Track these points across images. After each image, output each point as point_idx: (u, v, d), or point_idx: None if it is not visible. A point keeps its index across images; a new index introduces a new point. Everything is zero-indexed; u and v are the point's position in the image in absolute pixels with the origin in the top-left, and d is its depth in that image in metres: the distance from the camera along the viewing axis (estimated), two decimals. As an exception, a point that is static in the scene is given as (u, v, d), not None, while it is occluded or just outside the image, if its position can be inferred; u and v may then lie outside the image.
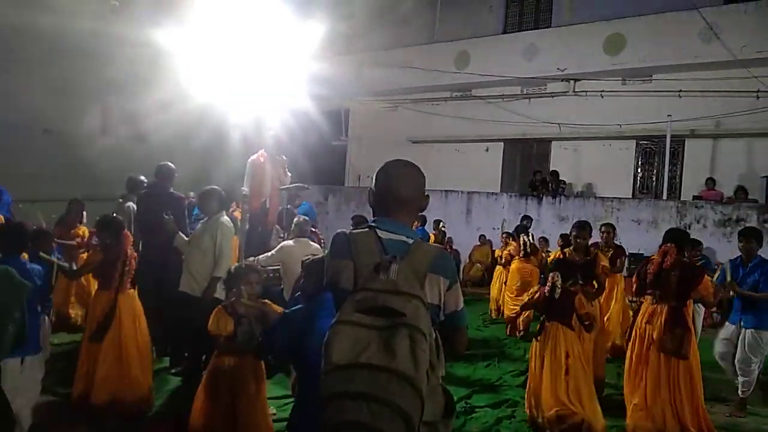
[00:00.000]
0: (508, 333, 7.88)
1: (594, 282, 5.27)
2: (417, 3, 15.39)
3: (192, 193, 7.85)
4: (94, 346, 4.30)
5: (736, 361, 5.14)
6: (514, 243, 8.83)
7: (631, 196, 12.74)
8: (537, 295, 4.70)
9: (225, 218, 5.31)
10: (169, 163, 5.99)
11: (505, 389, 5.47)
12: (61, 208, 7.49)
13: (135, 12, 13.88)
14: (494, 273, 9.49)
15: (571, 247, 5.44)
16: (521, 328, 7.63)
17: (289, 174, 7.57)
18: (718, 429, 4.48)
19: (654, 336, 4.37)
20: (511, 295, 8.17)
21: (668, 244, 4.52)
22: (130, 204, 6.52)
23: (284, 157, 7.43)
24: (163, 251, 5.57)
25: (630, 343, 4.64)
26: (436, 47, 14.80)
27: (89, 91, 12.28)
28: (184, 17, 11.22)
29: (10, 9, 10.39)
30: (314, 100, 13.73)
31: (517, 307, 7.45)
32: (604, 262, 5.53)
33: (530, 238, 8.72)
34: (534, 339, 4.69)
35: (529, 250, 8.33)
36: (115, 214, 5.56)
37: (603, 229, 6.97)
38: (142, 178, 6.25)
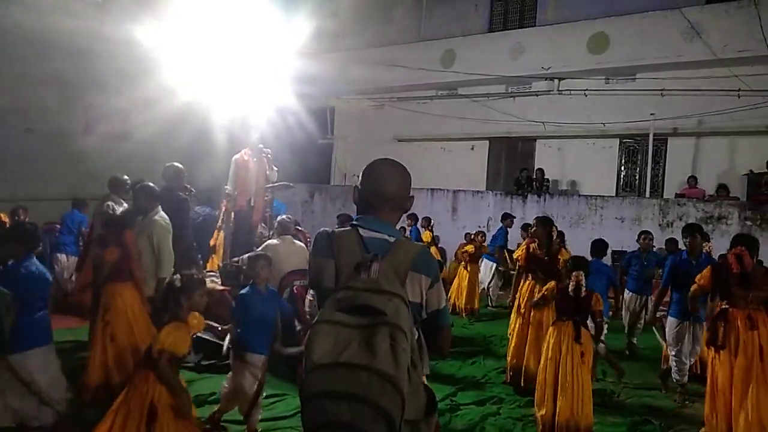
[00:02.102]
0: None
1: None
2: (403, 1, 15.41)
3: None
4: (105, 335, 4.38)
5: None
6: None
7: (614, 194, 12.85)
8: (553, 291, 4.52)
9: (160, 215, 5.00)
10: (176, 164, 5.85)
11: (490, 386, 5.48)
12: (45, 207, 7.41)
13: (119, 9, 13.72)
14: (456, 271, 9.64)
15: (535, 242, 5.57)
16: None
17: (276, 168, 7.51)
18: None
19: (762, 343, 4.10)
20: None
21: (740, 248, 4.29)
22: (110, 203, 6.41)
23: (268, 151, 7.37)
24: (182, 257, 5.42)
25: (722, 353, 4.24)
26: (422, 45, 14.81)
27: (72, 89, 12.14)
28: (168, 14, 11.11)
29: (-9, 5, 10.23)
30: (300, 98, 13.67)
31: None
32: (566, 256, 5.41)
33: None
34: (546, 336, 4.53)
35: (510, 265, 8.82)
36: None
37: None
38: (126, 177, 6.13)
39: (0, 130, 10.85)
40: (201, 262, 8.24)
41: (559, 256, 5.46)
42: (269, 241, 6.17)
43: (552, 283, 4.67)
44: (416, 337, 1.85)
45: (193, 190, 6.38)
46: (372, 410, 1.53)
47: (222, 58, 9.53)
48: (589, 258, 5.81)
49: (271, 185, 7.56)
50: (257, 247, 6.34)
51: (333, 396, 1.56)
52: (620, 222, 11.45)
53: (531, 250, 5.56)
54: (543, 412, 4.27)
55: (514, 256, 5.99)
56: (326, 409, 1.56)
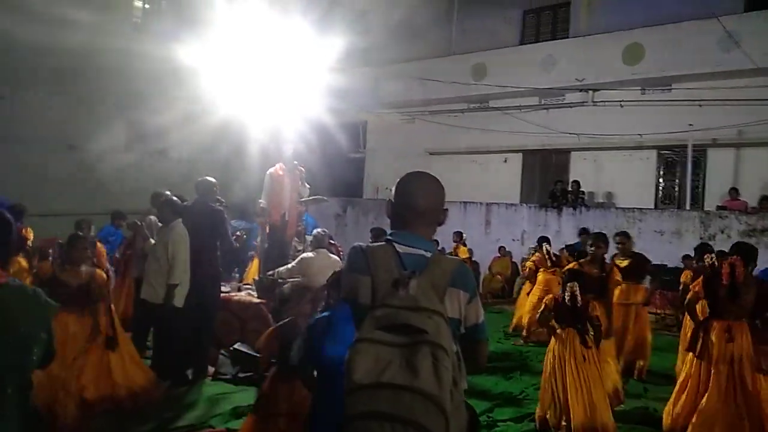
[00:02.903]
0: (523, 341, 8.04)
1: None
2: (433, 16, 15.48)
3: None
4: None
5: None
6: (536, 255, 8.79)
7: (653, 207, 12.57)
8: (552, 302, 4.69)
9: (180, 227, 5.40)
10: (208, 178, 6.04)
11: (528, 403, 5.37)
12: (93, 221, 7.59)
13: (156, 29, 14.17)
14: (521, 287, 9.38)
15: (588, 258, 5.37)
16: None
17: (308, 186, 7.59)
18: None
19: (741, 354, 4.17)
20: (528, 306, 8.18)
21: (735, 257, 4.28)
22: (152, 218, 6.59)
23: (302, 168, 7.45)
24: (208, 266, 5.62)
25: (698, 361, 4.39)
26: (453, 59, 14.83)
27: (112, 107, 12.51)
28: (204, 33, 11.41)
29: (34, 27, 10.62)
30: (332, 113, 13.83)
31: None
32: (618, 276, 5.50)
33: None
34: (551, 343, 4.68)
35: (553, 259, 8.32)
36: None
37: (618, 239, 6.84)
38: (167, 193, 6.33)
39: (43, 147, 11.23)
40: (238, 275, 8.40)
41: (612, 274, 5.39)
42: (304, 254, 6.24)
43: (550, 296, 4.88)
44: (455, 351, 1.83)
45: (223, 200, 6.54)
46: (416, 431, 1.52)
47: (257, 74, 9.71)
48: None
49: (305, 199, 7.63)
50: (291, 261, 6.42)
51: (376, 417, 1.55)
52: (659, 235, 11.19)
53: (582, 267, 5.35)
54: (548, 414, 4.51)
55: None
56: (369, 430, 1.55)
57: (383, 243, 1.94)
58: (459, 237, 10.84)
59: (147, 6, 14.15)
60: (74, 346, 4.11)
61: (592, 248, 5.54)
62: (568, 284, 4.59)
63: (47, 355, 1.99)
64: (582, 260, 5.65)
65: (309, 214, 8.96)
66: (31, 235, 6.56)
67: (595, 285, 5.22)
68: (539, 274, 8.36)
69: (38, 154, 11.00)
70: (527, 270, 8.94)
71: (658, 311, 9.61)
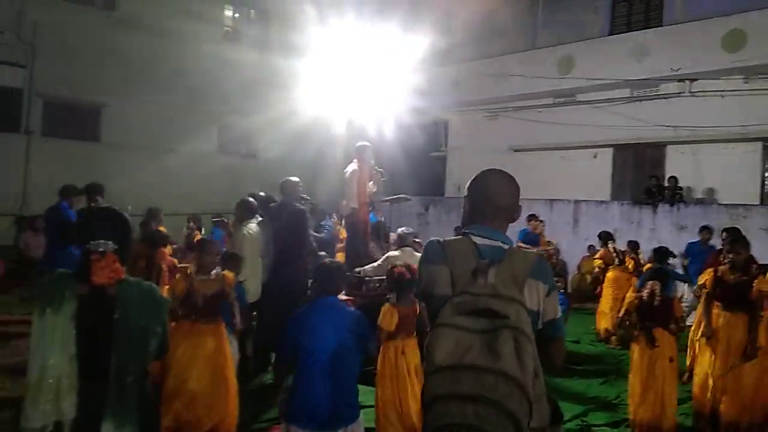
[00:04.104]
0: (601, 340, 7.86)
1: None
2: (515, 11, 15.16)
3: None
4: None
5: None
6: (601, 251, 8.57)
7: (759, 203, 11.65)
8: (635, 301, 4.66)
9: (249, 226, 5.68)
10: (291, 178, 6.20)
11: (623, 407, 5.11)
12: (183, 223, 8.07)
13: (245, 36, 14.78)
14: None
15: (727, 265, 4.68)
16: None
17: (376, 187, 7.52)
18: None
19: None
20: (606, 309, 7.98)
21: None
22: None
23: (380, 170, 7.43)
24: (295, 266, 5.77)
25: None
26: (537, 53, 14.43)
27: (205, 112, 13.18)
28: (291, 38, 11.79)
29: (133, 37, 11.35)
30: (414, 113, 13.88)
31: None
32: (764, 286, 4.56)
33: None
34: (634, 344, 4.64)
35: (620, 257, 8.23)
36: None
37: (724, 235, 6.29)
38: (261, 193, 6.65)
39: (146, 151, 12.01)
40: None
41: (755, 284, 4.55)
42: (390, 253, 6.28)
43: (632, 295, 4.86)
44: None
45: (309, 198, 6.70)
46: (498, 412, 1.50)
47: (343, 76, 9.91)
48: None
49: (390, 198, 7.68)
50: (377, 259, 6.48)
51: (458, 398, 1.54)
52: (766, 233, 10.36)
53: (719, 273, 4.74)
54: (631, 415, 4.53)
55: (699, 281, 5.10)
56: (451, 411, 1.54)
57: (460, 236, 1.98)
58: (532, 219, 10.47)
59: (236, 15, 14.81)
60: (212, 363, 3.87)
61: (730, 254, 4.75)
62: (649, 282, 4.58)
63: (162, 348, 2.13)
64: (720, 267, 4.92)
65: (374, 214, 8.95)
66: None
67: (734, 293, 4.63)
68: (609, 272, 8.20)
69: (137, 157, 11.78)
70: (596, 269, 8.65)
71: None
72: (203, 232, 7.74)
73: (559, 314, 1.94)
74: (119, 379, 1.97)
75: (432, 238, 2.01)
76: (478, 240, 1.92)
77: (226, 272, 4.11)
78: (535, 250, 7.23)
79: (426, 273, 1.95)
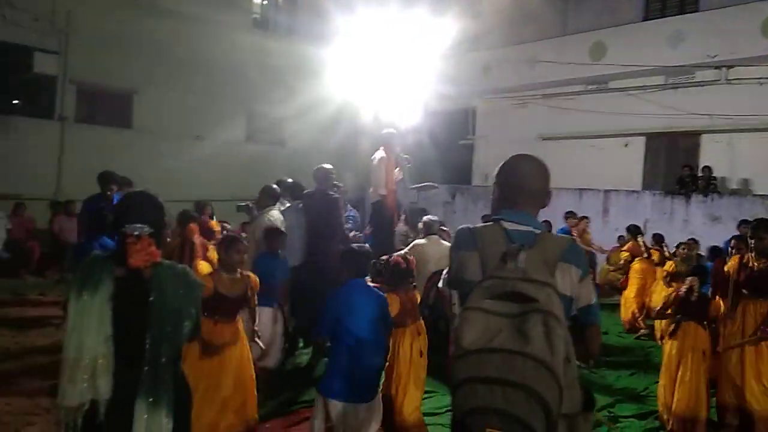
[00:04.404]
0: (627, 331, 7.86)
1: None
2: (546, -3, 14.88)
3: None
4: None
5: None
6: (629, 243, 8.69)
7: (797, 194, 11.30)
8: (673, 295, 4.65)
9: (271, 213, 5.62)
10: (325, 166, 6.20)
11: (651, 399, 5.04)
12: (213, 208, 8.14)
13: (274, 23, 14.81)
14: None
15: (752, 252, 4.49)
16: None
17: (401, 175, 7.45)
18: None
19: None
20: (631, 297, 8.01)
21: None
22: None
23: (407, 157, 7.40)
24: (327, 253, 5.73)
25: None
26: (568, 39, 14.18)
27: (234, 99, 13.28)
28: (320, 25, 11.76)
29: (162, 24, 11.44)
30: (441, 100, 13.77)
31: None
32: None
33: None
34: (668, 337, 4.61)
35: (649, 248, 8.29)
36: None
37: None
38: (290, 180, 6.67)
39: (172, 138, 12.16)
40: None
41: None
42: (416, 241, 6.26)
43: (670, 290, 4.91)
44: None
45: (341, 185, 6.70)
46: (527, 396, 1.48)
47: (371, 64, 9.88)
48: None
49: (416, 186, 7.65)
50: (402, 246, 6.46)
51: (486, 381, 1.52)
52: (805, 225, 10.03)
53: (745, 260, 4.56)
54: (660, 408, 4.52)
55: (726, 268, 4.85)
56: (478, 394, 1.52)
57: (490, 222, 1.96)
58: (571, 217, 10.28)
59: (265, 2, 14.84)
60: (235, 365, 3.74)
61: (752, 240, 4.52)
62: (689, 278, 4.57)
63: (195, 329, 2.17)
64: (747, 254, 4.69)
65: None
66: (217, 227, 6.81)
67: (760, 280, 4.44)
68: (634, 263, 8.19)
69: (168, 144, 11.93)
70: (623, 260, 8.59)
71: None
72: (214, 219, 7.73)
73: (594, 300, 1.89)
74: (153, 360, 2.00)
75: (462, 226, 2.00)
76: (508, 225, 1.90)
77: (251, 274, 4.01)
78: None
79: (456, 259, 1.94)
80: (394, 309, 4.07)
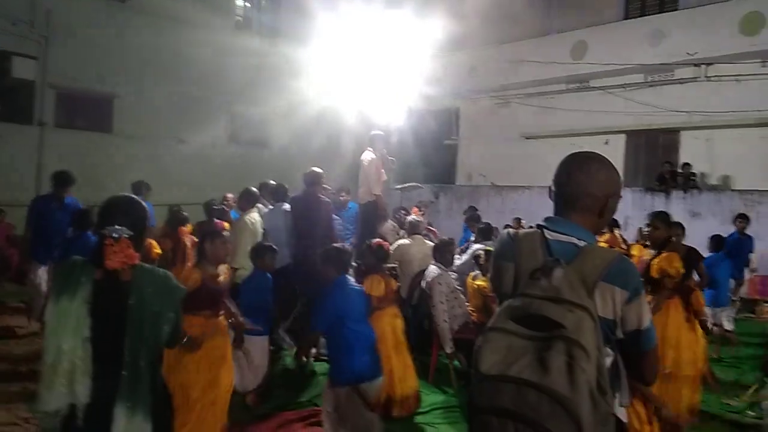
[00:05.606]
0: None
1: None
2: (529, -2, 14.98)
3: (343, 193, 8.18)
4: None
5: None
6: (607, 236, 8.63)
7: (774, 189, 11.50)
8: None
9: (249, 215, 5.78)
10: (315, 169, 6.19)
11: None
12: (195, 211, 8.08)
13: (257, 25, 14.73)
14: None
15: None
16: None
17: (386, 176, 7.49)
18: None
19: None
20: None
21: None
22: (260, 206, 6.82)
23: (392, 159, 7.44)
24: (312, 256, 5.71)
25: None
26: (550, 39, 14.30)
27: (216, 102, 13.19)
28: (302, 27, 11.72)
29: (144, 28, 11.31)
30: (425, 100, 13.80)
31: None
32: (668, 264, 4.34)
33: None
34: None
35: (627, 242, 8.40)
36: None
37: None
38: (273, 182, 6.69)
39: (158, 141, 12.05)
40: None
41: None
42: (400, 241, 6.29)
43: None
44: (612, 359, 1.67)
45: (329, 187, 6.72)
46: None
47: (353, 64, 9.88)
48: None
49: (402, 186, 7.67)
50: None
51: (499, 413, 1.44)
52: (782, 219, 10.23)
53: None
54: None
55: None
56: (492, 426, 1.45)
57: (534, 229, 1.80)
58: (517, 222, 10.39)
59: (248, 4, 14.77)
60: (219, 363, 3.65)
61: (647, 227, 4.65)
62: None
63: (175, 335, 2.15)
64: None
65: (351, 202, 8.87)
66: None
67: None
68: None
69: (149, 147, 11.83)
70: None
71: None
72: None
73: (645, 324, 1.66)
74: (132, 363, 1.99)
75: (505, 230, 1.88)
76: (550, 235, 1.73)
77: (227, 267, 4.10)
78: None
79: (495, 270, 1.83)
80: (380, 289, 4.39)
